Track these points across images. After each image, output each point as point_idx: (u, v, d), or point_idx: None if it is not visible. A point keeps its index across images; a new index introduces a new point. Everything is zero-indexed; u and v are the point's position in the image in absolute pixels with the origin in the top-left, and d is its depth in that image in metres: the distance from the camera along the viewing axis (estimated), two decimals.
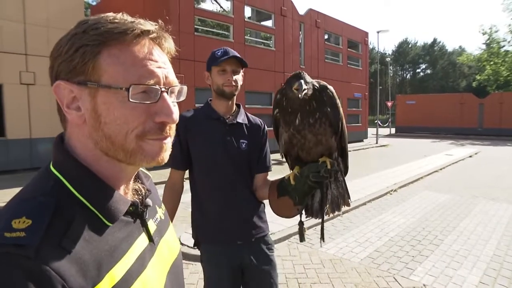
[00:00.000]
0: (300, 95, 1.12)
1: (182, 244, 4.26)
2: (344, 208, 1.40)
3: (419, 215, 5.84)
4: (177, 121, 0.60)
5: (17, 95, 9.02)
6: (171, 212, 1.76)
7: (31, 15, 9.16)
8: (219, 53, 1.68)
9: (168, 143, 0.61)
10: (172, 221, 1.74)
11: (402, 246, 4.48)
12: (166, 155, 0.61)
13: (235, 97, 1.74)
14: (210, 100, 1.79)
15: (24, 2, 9.12)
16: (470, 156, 14.10)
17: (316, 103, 1.20)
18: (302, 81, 1.14)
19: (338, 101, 1.25)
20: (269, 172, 1.82)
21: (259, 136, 1.79)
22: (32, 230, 0.48)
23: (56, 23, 9.00)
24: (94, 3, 23.93)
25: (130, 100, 0.55)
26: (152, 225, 0.69)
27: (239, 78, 1.71)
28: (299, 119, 1.21)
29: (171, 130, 0.61)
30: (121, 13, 0.60)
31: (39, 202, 0.52)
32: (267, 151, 1.83)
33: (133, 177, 0.69)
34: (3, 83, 8.89)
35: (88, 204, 0.56)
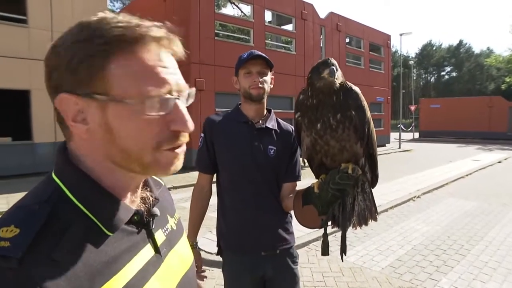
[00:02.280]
0: (332, 79, 1.05)
1: (199, 249, 4.26)
2: (371, 223, 1.29)
3: (444, 223, 5.63)
4: (192, 129, 0.57)
5: (43, 100, 9.30)
6: (199, 217, 1.74)
7: (58, 23, 9.49)
8: (244, 56, 1.63)
9: (182, 152, 0.59)
10: (200, 226, 1.75)
11: (426, 255, 4.31)
12: (179, 164, 0.60)
13: (265, 101, 1.68)
14: (240, 104, 1.74)
15: (52, 11, 9.48)
16: (499, 162, 13.57)
17: (343, 99, 1.11)
18: (334, 67, 1.07)
19: (364, 102, 1.16)
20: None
21: (289, 143, 1.69)
22: (18, 240, 0.46)
23: None
24: (118, 11, 24.65)
25: (147, 114, 0.53)
26: (160, 236, 0.67)
27: (267, 79, 1.65)
28: (321, 121, 1.12)
29: (185, 137, 0.59)
30: (124, 14, 0.56)
31: (32, 210, 0.51)
32: (297, 159, 1.72)
33: (141, 185, 0.67)
34: (31, 89, 9.24)
35: (87, 212, 0.54)
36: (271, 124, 1.69)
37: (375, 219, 1.29)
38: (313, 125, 1.15)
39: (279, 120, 1.76)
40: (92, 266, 0.50)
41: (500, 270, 3.87)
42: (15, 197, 7.22)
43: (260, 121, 1.68)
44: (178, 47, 0.60)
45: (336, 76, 1.07)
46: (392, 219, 5.88)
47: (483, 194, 7.79)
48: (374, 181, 1.28)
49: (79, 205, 0.54)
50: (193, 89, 0.62)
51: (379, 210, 5.28)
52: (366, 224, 1.27)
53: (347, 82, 1.17)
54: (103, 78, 0.52)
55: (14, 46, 9.00)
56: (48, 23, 9.43)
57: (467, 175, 10.30)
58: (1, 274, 0.43)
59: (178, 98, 0.56)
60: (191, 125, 0.57)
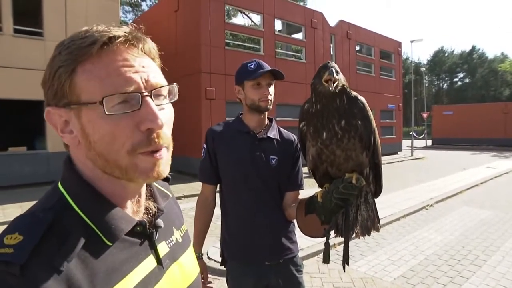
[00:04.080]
0: (331, 85, 1.07)
1: (209, 258, 4.25)
2: (375, 233, 1.29)
3: (458, 233, 5.51)
4: (162, 126, 0.57)
5: None
6: (204, 227, 1.75)
7: None
8: (252, 66, 1.63)
9: (163, 156, 0.58)
10: (205, 236, 1.75)
11: (439, 265, 4.22)
12: (162, 169, 0.58)
13: (267, 111, 1.70)
14: (241, 114, 1.75)
15: (66, 24, 9.75)
16: None
17: (347, 104, 1.12)
18: (333, 69, 1.08)
19: (370, 112, 1.16)
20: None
21: (291, 152, 1.71)
22: (21, 246, 0.47)
23: None
24: (130, 22, 25.12)
25: (107, 113, 0.52)
26: (164, 247, 0.67)
27: (272, 91, 1.68)
28: (326, 129, 1.12)
29: (161, 138, 0.57)
30: (95, 25, 0.58)
31: (36, 217, 0.52)
32: (300, 168, 1.73)
33: (146, 195, 0.68)
34: None
35: (88, 221, 0.55)
36: (273, 133, 1.70)
37: (377, 230, 1.29)
38: (319, 135, 1.15)
39: (281, 129, 1.77)
40: (91, 275, 0.51)
41: None
42: (29, 205, 7.32)
43: (262, 131, 1.70)
44: (147, 46, 0.60)
45: (335, 77, 1.08)
46: (405, 228, 5.78)
47: (499, 203, 7.60)
48: (378, 191, 1.28)
49: (81, 213, 0.56)
50: (174, 85, 0.62)
51: (391, 219, 5.23)
52: (369, 234, 1.27)
53: (352, 91, 1.17)
54: (72, 86, 0.54)
55: (31, 58, 9.25)
56: (63, 35, 9.68)
57: (482, 183, 10.09)
58: (3, 280, 0.45)
59: (146, 95, 0.55)
60: (161, 122, 0.56)
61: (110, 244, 0.56)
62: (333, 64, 1.12)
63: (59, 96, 0.56)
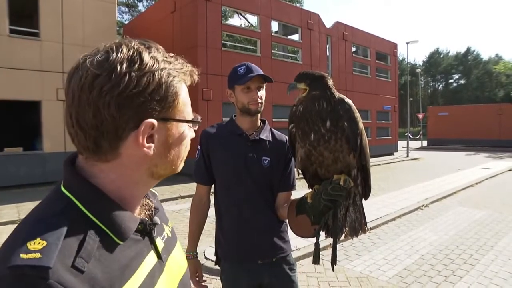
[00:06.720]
0: (287, 93, 1.24)
1: (206, 258, 4.27)
2: (361, 234, 1.32)
3: (452, 232, 5.56)
4: None
5: (54, 110, 9.54)
6: (199, 227, 1.77)
7: (69, 36, 9.74)
8: (241, 71, 1.65)
9: None
10: (199, 236, 1.78)
11: (434, 265, 4.27)
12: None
13: (257, 114, 1.72)
14: (235, 116, 1.78)
15: (62, 24, 9.73)
16: (510, 170, 13.38)
17: (327, 107, 1.16)
18: (294, 83, 1.21)
19: (356, 114, 1.18)
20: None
21: (283, 153, 1.73)
22: (47, 251, 0.49)
23: (91, 42, 9.52)
24: (127, 22, 25.06)
25: (195, 130, 0.70)
26: (160, 243, 0.71)
27: (263, 94, 1.70)
28: (313, 131, 1.16)
29: None
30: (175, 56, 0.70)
31: (52, 223, 0.54)
32: (292, 169, 1.75)
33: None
34: (42, 100, 9.44)
35: (99, 223, 0.58)
36: (265, 135, 1.73)
37: (365, 231, 1.32)
38: (307, 136, 1.18)
39: (274, 130, 1.80)
40: (109, 273, 0.54)
41: (511, 280, 3.81)
42: (26, 206, 7.32)
43: (254, 133, 1.72)
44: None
45: (292, 90, 1.22)
46: (400, 228, 5.83)
47: (493, 203, 7.68)
48: (367, 192, 1.31)
49: (91, 216, 0.58)
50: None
51: (387, 219, 5.26)
52: (357, 235, 1.30)
53: (338, 93, 1.20)
54: (178, 104, 0.64)
55: (27, 59, 9.23)
56: (59, 36, 9.67)
57: (476, 184, 10.19)
58: (36, 284, 0.47)
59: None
60: None
61: (121, 242, 0.59)
62: (301, 75, 1.22)
63: (166, 109, 0.62)
